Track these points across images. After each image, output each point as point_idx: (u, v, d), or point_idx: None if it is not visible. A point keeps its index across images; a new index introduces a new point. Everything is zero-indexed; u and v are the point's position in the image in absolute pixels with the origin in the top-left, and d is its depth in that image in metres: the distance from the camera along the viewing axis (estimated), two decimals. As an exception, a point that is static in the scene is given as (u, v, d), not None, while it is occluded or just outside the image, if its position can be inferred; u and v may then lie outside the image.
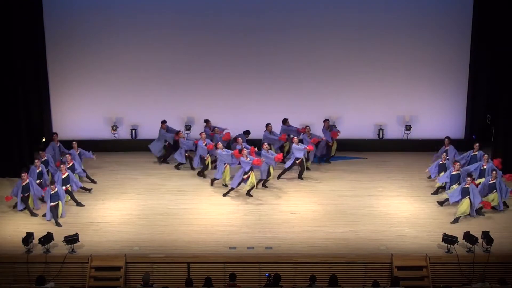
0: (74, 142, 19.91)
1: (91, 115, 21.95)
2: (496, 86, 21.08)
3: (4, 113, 20.05)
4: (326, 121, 21.09)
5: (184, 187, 19.53)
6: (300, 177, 19.93)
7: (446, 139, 19.93)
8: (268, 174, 19.07)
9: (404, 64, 21.83)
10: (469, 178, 17.40)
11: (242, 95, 21.98)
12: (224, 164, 19.07)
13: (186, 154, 20.57)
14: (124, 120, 22.18)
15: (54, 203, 17.19)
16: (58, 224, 17.05)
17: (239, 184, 18.65)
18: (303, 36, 21.61)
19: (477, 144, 19.41)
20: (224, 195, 18.82)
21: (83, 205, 18.21)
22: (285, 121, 21.07)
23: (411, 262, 15.52)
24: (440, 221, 17.24)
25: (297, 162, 19.67)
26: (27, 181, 17.59)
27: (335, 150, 21.26)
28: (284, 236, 16.57)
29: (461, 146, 20.34)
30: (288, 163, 19.78)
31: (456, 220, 17.19)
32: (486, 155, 18.77)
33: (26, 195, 17.61)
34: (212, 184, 19.50)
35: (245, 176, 18.52)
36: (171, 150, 21.05)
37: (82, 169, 19.38)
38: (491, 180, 17.72)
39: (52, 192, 17.18)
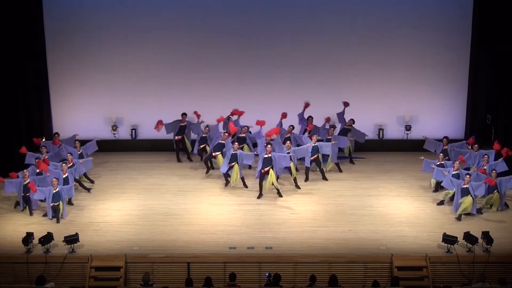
0: (76, 141, 19.96)
1: (91, 115, 21.96)
2: (496, 86, 21.09)
3: (4, 113, 20.07)
4: (351, 120, 21.05)
5: (184, 187, 19.53)
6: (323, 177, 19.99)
7: (444, 139, 19.94)
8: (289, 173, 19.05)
9: (404, 64, 21.85)
10: (467, 176, 17.41)
11: (242, 95, 21.97)
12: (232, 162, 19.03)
13: (200, 147, 20.54)
14: (124, 120, 22.19)
15: (56, 203, 17.19)
16: (58, 221, 17.07)
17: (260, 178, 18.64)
18: (303, 37, 21.63)
19: (476, 146, 19.40)
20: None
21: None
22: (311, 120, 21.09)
23: (411, 262, 15.51)
24: (440, 221, 17.24)
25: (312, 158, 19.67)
26: (29, 180, 17.58)
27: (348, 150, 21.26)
28: (284, 236, 16.56)
29: (461, 146, 20.36)
30: (307, 161, 19.75)
31: (459, 218, 17.21)
32: (486, 155, 18.78)
33: (27, 194, 17.61)
34: (226, 184, 19.42)
35: (263, 171, 18.47)
36: (179, 144, 21.17)
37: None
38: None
39: (54, 192, 17.18)
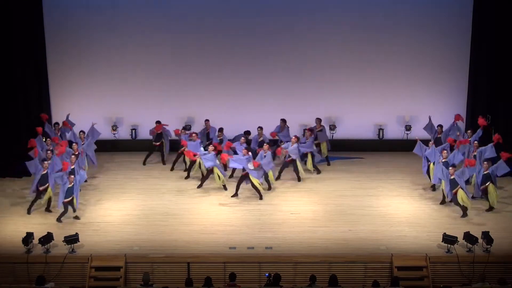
0: (81, 132, 19.99)
1: (91, 115, 21.90)
2: (496, 86, 21.08)
3: (3, 113, 20.06)
4: (318, 119, 20.99)
5: (184, 187, 19.53)
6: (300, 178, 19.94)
7: (438, 127, 20.02)
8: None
9: (404, 64, 21.84)
10: (451, 168, 17.40)
11: (242, 96, 21.99)
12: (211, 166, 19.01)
13: (179, 151, 20.43)
14: (124, 120, 22.19)
15: (69, 199, 17.16)
16: (59, 220, 17.14)
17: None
18: (303, 37, 21.63)
19: (469, 131, 19.61)
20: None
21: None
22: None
23: (411, 262, 15.52)
24: (440, 221, 17.24)
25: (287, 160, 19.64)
26: (46, 171, 17.57)
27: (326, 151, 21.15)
28: (284, 236, 16.57)
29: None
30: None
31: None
32: (476, 141, 18.80)
33: (41, 187, 17.55)
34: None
35: (244, 173, 18.55)
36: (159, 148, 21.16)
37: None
38: (484, 171, 17.73)
39: (69, 186, 17.15)
